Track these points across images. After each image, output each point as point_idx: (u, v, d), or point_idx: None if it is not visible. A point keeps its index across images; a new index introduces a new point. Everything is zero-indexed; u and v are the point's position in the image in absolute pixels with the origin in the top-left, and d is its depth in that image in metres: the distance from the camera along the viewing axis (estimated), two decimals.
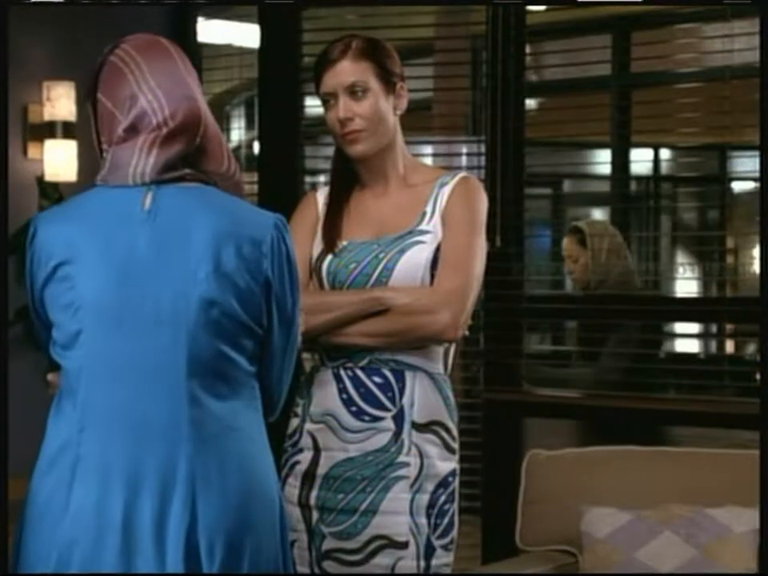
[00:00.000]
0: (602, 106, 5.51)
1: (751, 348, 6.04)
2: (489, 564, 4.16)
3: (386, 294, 2.62)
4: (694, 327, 5.94)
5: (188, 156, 2.18)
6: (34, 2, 4.19)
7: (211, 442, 2.11)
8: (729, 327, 4.92)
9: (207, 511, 2.08)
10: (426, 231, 2.66)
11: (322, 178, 8.40)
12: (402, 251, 2.65)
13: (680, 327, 5.49)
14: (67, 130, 4.87)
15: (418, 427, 2.63)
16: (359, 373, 2.65)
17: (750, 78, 4.04)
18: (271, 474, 2.22)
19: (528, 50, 4.87)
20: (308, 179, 5.72)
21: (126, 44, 2.31)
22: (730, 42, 4.24)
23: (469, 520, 4.59)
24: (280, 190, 5.11)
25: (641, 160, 7.20)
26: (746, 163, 3.95)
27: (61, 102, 4.83)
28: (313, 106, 5.52)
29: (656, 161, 8.13)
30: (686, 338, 6.59)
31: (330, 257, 2.71)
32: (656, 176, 8.24)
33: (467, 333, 2.70)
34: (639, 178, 7.86)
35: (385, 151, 2.73)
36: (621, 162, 6.04)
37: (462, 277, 2.62)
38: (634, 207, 6.80)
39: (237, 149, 7.06)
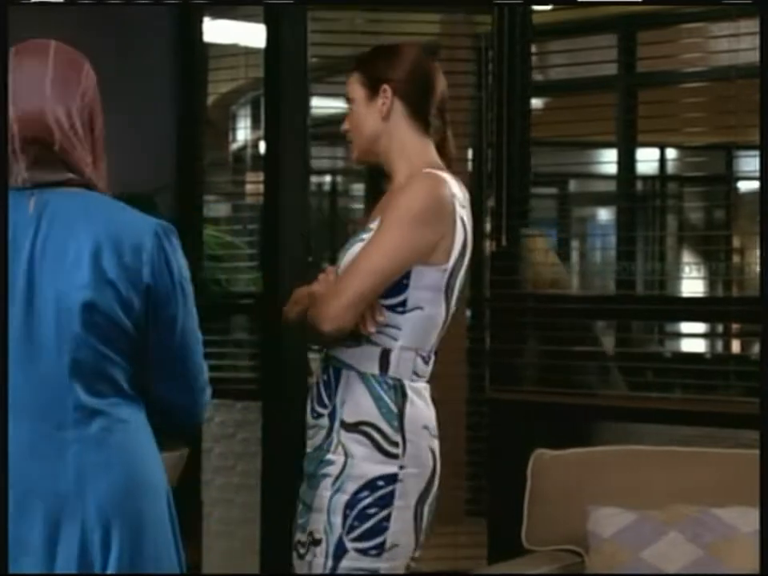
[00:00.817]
0: (607, 105, 5.52)
1: (756, 347, 6.04)
2: (495, 564, 4.16)
3: (313, 286, 2.68)
4: (699, 327, 5.95)
5: (66, 160, 2.21)
6: (34, 2, 4.19)
7: (96, 437, 2.16)
8: (735, 327, 4.92)
9: (98, 504, 2.15)
10: (370, 229, 2.67)
11: (327, 178, 8.44)
12: (348, 249, 2.69)
13: (686, 327, 5.50)
14: None
15: (346, 426, 2.62)
16: (320, 369, 2.73)
17: (755, 77, 4.04)
18: (158, 464, 2.27)
19: (534, 49, 4.88)
20: (314, 179, 5.73)
21: (14, 48, 2.36)
22: (736, 42, 4.24)
23: (476, 520, 4.61)
24: (286, 190, 5.11)
25: (647, 159, 7.21)
26: (752, 163, 3.94)
27: None
28: (319, 106, 5.53)
29: (662, 160, 8.14)
30: (692, 338, 6.60)
31: None
32: (662, 176, 8.25)
33: (371, 329, 2.59)
34: (645, 178, 7.86)
35: (380, 155, 2.76)
36: (627, 161, 6.04)
37: (352, 271, 2.59)
38: (640, 207, 6.79)
39: (242, 148, 7.08)
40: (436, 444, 2.68)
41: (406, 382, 2.63)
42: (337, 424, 2.62)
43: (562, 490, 3.82)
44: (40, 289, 2.14)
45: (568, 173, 8.10)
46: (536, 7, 4.74)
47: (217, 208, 6.28)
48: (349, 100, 2.79)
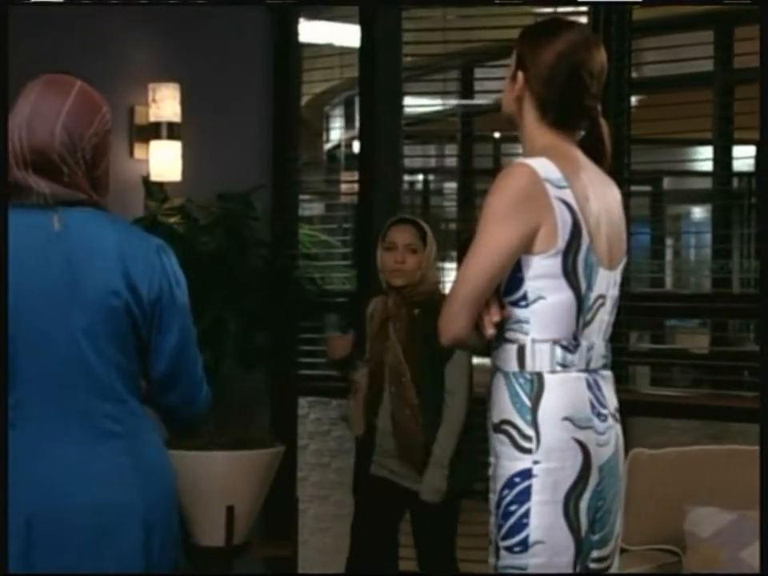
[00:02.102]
0: (704, 102, 5.46)
1: None
2: None
3: None
4: None
5: (77, 186, 2.42)
6: (34, 2, 4.24)
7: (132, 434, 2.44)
8: None
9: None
10: None
11: (420, 177, 8.45)
12: None
13: None
14: (172, 131, 4.95)
15: (493, 427, 2.60)
16: None
17: None
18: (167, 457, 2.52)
19: (643, 44, 4.86)
20: (407, 178, 5.75)
21: (44, 77, 2.54)
22: None
23: None
24: (380, 189, 5.14)
25: (743, 157, 7.11)
26: None
27: (166, 103, 4.92)
28: (413, 105, 5.56)
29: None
30: None
31: None
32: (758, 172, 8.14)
33: (489, 333, 2.55)
34: (741, 175, 7.77)
35: (515, 126, 2.73)
36: (723, 158, 5.98)
37: (457, 278, 2.58)
38: (736, 204, 6.72)
39: (336, 147, 7.13)
40: (589, 436, 2.56)
41: (546, 374, 2.56)
42: (490, 427, 2.61)
43: (658, 489, 3.80)
44: (73, 295, 2.35)
45: (663, 170, 8.04)
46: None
47: (311, 207, 6.33)
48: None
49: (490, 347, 2.65)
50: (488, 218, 2.53)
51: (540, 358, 2.56)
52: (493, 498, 2.58)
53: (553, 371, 2.56)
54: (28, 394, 2.34)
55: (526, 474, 2.53)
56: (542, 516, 2.52)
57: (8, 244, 2.35)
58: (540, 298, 2.55)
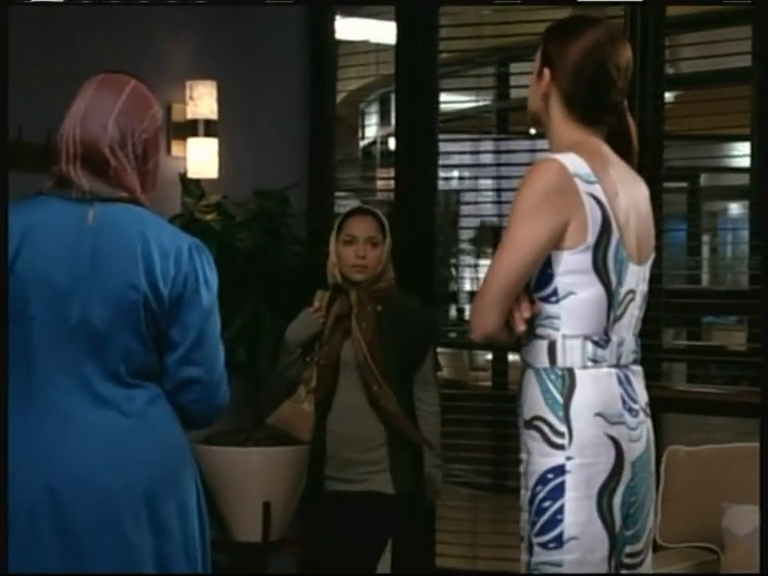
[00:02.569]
0: (741, 98, 5.42)
1: None
2: None
3: None
4: None
5: (120, 181, 2.54)
6: (34, 2, 4.25)
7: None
8: None
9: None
10: None
11: (455, 173, 8.44)
12: None
13: None
14: (209, 128, 4.97)
15: (525, 423, 2.61)
16: None
17: None
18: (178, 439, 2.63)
19: (667, 42, 4.83)
20: (442, 174, 5.74)
21: (101, 75, 2.66)
22: None
23: None
24: (416, 186, 5.14)
25: None
26: None
27: (203, 100, 4.94)
28: (449, 101, 5.56)
29: None
30: None
31: None
32: None
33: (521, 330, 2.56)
34: None
35: (541, 125, 2.74)
36: (760, 154, 5.93)
37: (486, 275, 2.57)
38: None
39: (371, 144, 7.14)
40: (621, 431, 2.56)
41: (577, 370, 2.56)
42: (521, 424, 2.62)
43: (696, 487, 3.79)
44: (93, 285, 2.47)
45: (699, 166, 7.99)
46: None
47: (347, 204, 6.33)
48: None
49: (518, 343, 2.65)
50: (518, 213, 2.53)
51: (571, 353, 2.56)
52: (525, 494, 2.59)
53: (584, 367, 2.56)
54: (42, 372, 2.46)
55: (559, 470, 2.53)
56: (577, 512, 2.52)
57: (8, 244, 2.47)
58: (571, 293, 2.55)
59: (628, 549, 2.61)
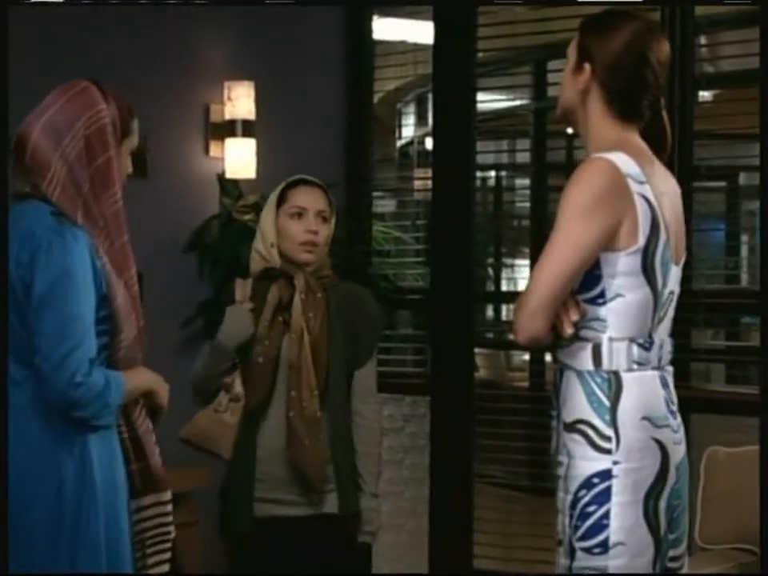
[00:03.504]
0: None
1: None
2: None
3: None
4: None
5: (31, 175, 2.62)
6: (34, 2, 4.25)
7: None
8: None
9: None
10: None
11: (492, 173, 8.44)
12: None
13: None
14: (246, 129, 4.98)
15: (566, 426, 2.56)
16: (555, 371, 2.68)
17: None
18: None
19: (704, 40, 4.81)
20: (479, 174, 5.74)
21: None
22: None
23: None
24: (453, 186, 5.14)
25: None
26: None
27: (241, 101, 4.95)
28: (486, 101, 5.55)
29: None
30: None
31: None
32: None
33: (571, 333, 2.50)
34: None
35: (576, 125, 2.69)
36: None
37: (533, 277, 2.52)
38: None
39: (408, 144, 7.14)
40: (666, 434, 2.54)
41: (623, 373, 2.53)
42: (561, 425, 2.57)
43: (736, 488, 3.76)
44: (4, 277, 2.61)
45: (738, 165, 7.95)
46: None
47: (384, 204, 6.34)
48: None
49: (554, 343, 2.59)
50: (567, 214, 2.49)
51: (617, 356, 2.53)
52: (565, 497, 2.55)
53: (629, 369, 2.53)
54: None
55: (606, 474, 2.50)
56: (623, 517, 2.49)
57: (8, 244, 2.55)
58: (618, 295, 2.51)
59: (671, 553, 2.58)
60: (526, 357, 6.79)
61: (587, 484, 2.50)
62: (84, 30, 4.65)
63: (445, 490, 5.07)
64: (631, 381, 2.53)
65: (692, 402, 4.50)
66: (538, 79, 6.72)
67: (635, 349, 2.54)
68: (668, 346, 2.63)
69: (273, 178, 5.05)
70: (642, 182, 2.52)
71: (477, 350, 5.36)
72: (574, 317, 2.52)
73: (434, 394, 5.16)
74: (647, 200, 2.52)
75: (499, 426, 5.21)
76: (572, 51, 2.66)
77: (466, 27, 5.08)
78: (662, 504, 2.53)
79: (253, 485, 3.34)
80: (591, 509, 2.50)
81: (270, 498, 3.35)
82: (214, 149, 5.02)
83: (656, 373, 2.58)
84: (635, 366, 2.54)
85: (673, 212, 2.62)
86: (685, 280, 4.53)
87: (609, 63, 2.60)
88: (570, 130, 7.35)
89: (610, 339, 2.53)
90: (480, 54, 5.25)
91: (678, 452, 2.58)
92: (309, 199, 3.44)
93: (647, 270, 2.53)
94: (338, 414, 3.39)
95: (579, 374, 2.55)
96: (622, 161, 2.51)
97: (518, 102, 6.98)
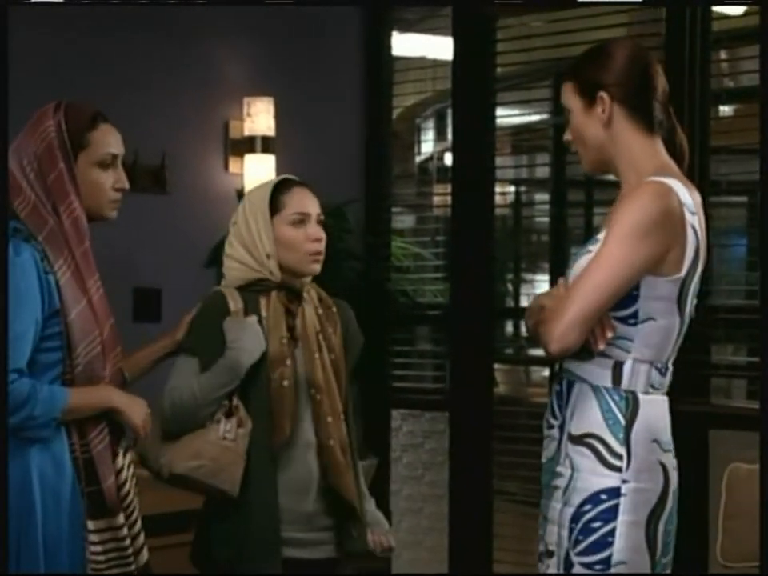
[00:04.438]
0: None
1: None
2: None
3: (545, 298, 2.61)
4: None
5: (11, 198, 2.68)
6: (34, 2, 4.26)
7: None
8: None
9: None
10: (597, 240, 2.56)
11: (511, 188, 8.42)
12: (576, 260, 2.60)
13: None
14: (266, 145, 4.99)
15: (573, 438, 2.56)
16: (555, 380, 2.67)
17: None
18: None
19: (723, 55, 4.80)
20: (499, 189, 5.72)
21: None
22: None
23: None
24: (473, 201, 5.13)
25: None
26: None
27: (260, 117, 4.96)
28: (505, 115, 5.54)
29: None
30: None
31: None
32: None
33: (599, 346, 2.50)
34: None
35: (608, 163, 2.65)
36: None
37: (576, 289, 2.50)
38: None
39: (428, 160, 7.11)
40: (669, 459, 2.57)
41: (640, 395, 2.54)
42: (565, 436, 2.57)
43: (758, 505, 3.73)
44: None
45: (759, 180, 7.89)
46: (720, 12, 4.67)
47: (403, 219, 6.33)
48: (566, 110, 2.69)
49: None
50: (622, 233, 2.49)
51: (637, 377, 2.54)
52: (564, 509, 2.55)
53: (646, 392, 2.55)
54: None
55: (614, 492, 2.50)
56: (628, 537, 2.50)
57: (8, 244, 2.56)
58: (650, 318, 2.52)
59: None
60: (546, 373, 6.76)
61: (593, 499, 2.51)
62: (104, 44, 4.66)
63: (464, 506, 5.05)
64: (646, 403, 2.55)
65: (712, 418, 4.49)
66: (558, 94, 6.70)
67: (654, 373, 2.56)
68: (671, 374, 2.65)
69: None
70: (693, 213, 2.54)
71: (496, 365, 5.34)
72: (610, 333, 2.52)
73: (454, 410, 5.15)
74: (695, 231, 2.54)
75: (519, 443, 5.18)
76: (572, 97, 2.67)
77: (484, 42, 5.08)
78: (661, 527, 2.54)
79: (279, 525, 2.92)
80: (596, 525, 2.50)
81: (293, 539, 2.97)
82: (234, 165, 5.03)
83: (665, 398, 2.61)
84: (650, 390, 2.56)
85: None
86: (705, 295, 4.58)
87: (622, 80, 2.61)
88: None
89: (635, 360, 2.54)
90: (499, 69, 5.25)
91: (675, 478, 2.59)
92: (309, 203, 3.09)
93: (681, 298, 2.54)
94: (353, 439, 3.11)
95: (595, 388, 2.55)
96: (680, 189, 2.53)
97: (537, 117, 6.96)
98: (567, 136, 2.70)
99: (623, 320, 2.53)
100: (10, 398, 2.53)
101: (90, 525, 2.66)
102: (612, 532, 2.50)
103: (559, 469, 2.58)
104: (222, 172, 5.02)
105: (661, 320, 2.52)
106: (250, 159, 5.00)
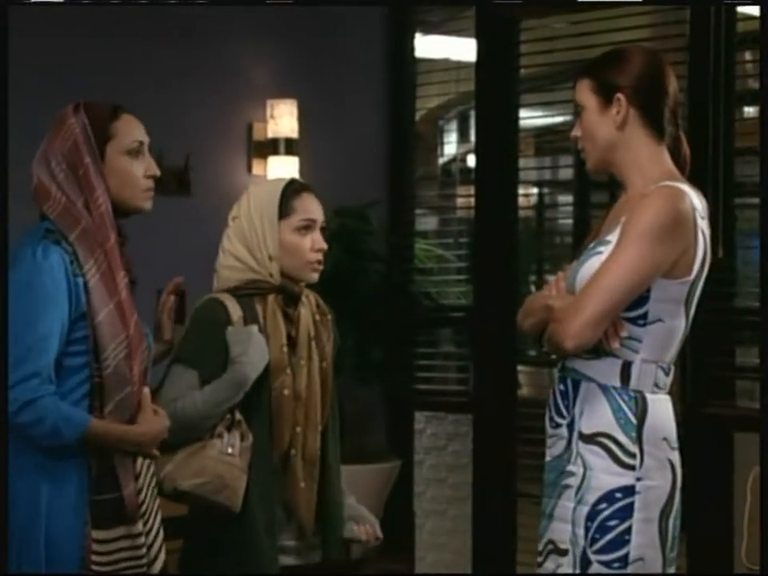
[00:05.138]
0: None
1: None
2: None
3: (550, 299, 2.64)
4: None
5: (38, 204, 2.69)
6: (34, 2, 4.26)
7: None
8: None
9: None
10: (608, 242, 2.58)
11: (534, 190, 8.41)
12: (584, 262, 2.61)
13: None
14: (289, 147, 5.00)
15: (584, 437, 2.57)
16: (557, 379, 2.68)
17: None
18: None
19: (748, 56, 4.78)
20: (522, 191, 5.71)
21: None
22: None
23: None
24: (496, 203, 5.12)
25: None
26: None
27: (284, 119, 4.97)
28: (528, 117, 5.54)
29: None
30: None
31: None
32: None
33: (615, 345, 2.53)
34: None
35: (614, 165, 2.67)
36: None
37: (593, 288, 2.52)
38: None
39: (451, 162, 7.12)
40: (676, 457, 2.60)
41: (647, 395, 2.58)
42: (575, 435, 2.59)
43: None
44: None
45: None
46: (746, 13, 4.65)
47: (426, 221, 6.33)
48: (578, 106, 2.70)
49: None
50: (637, 235, 2.51)
51: (645, 377, 2.58)
52: (579, 508, 2.56)
53: (653, 392, 2.58)
54: None
55: (629, 490, 2.53)
56: (644, 534, 2.53)
57: (8, 245, 2.58)
58: (659, 320, 2.56)
59: (669, 570, 2.63)
60: None
61: (609, 498, 2.53)
62: (128, 46, 4.67)
63: (488, 508, 5.05)
64: (654, 402, 2.58)
65: (738, 421, 4.47)
66: None
67: (660, 373, 2.60)
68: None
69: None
70: (703, 218, 2.59)
71: (519, 367, 5.33)
72: (623, 333, 2.55)
73: (477, 413, 5.15)
74: (704, 235, 2.59)
75: (542, 445, 5.17)
76: (587, 95, 2.68)
77: (508, 44, 5.08)
78: (671, 523, 2.58)
79: (277, 536, 2.90)
80: (612, 523, 2.53)
81: (287, 547, 2.94)
82: (257, 167, 5.04)
83: (669, 397, 2.64)
84: (656, 389, 2.59)
85: None
86: (729, 297, 4.57)
87: (639, 82, 2.64)
88: None
89: (643, 360, 2.57)
90: (522, 71, 5.25)
91: (680, 475, 2.62)
92: (316, 209, 2.98)
93: (689, 300, 2.59)
94: (335, 453, 3.02)
95: (604, 388, 2.58)
96: (693, 194, 2.57)
97: (560, 119, 6.95)
98: (576, 132, 2.71)
99: (633, 321, 2.56)
100: (32, 409, 2.50)
101: (114, 533, 2.60)
102: (629, 530, 2.53)
103: (570, 468, 2.60)
104: (245, 174, 5.03)
105: (668, 321, 2.56)
106: (273, 161, 5.00)
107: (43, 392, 2.51)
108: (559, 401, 2.65)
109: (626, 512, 2.53)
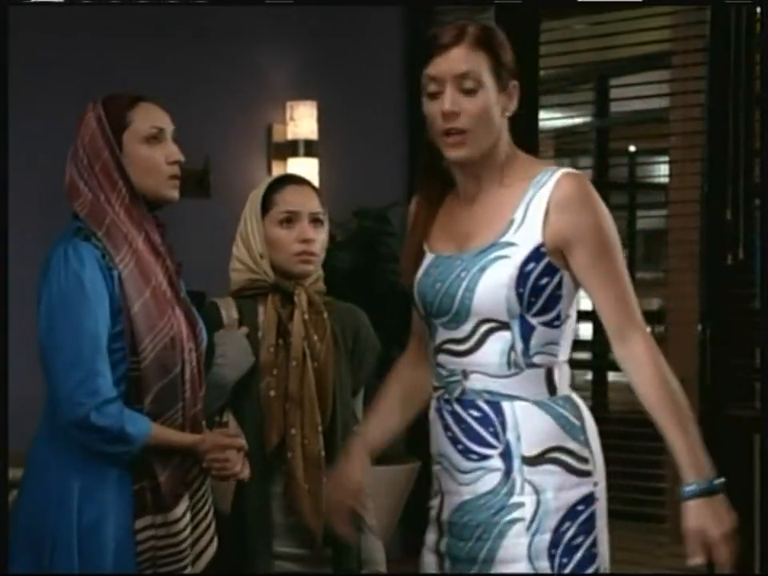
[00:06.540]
0: None
1: None
2: None
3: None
4: None
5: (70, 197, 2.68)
6: (34, 2, 4.27)
7: None
8: None
9: None
10: (510, 243, 2.29)
11: None
12: (483, 269, 2.30)
13: None
14: (309, 149, 5.01)
15: (529, 461, 2.31)
16: (456, 406, 2.38)
17: None
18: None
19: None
20: None
21: None
22: None
23: None
24: None
25: None
26: None
27: (303, 121, 4.98)
28: (548, 118, 5.54)
29: None
30: None
31: (419, 274, 2.41)
32: None
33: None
34: None
35: (485, 155, 2.35)
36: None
37: (627, 296, 2.32)
38: None
39: None
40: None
41: (572, 395, 2.38)
42: (517, 462, 2.31)
43: None
44: None
45: None
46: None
47: None
48: (468, 79, 2.33)
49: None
50: (611, 229, 2.36)
51: (564, 380, 2.38)
52: (535, 540, 2.31)
53: (572, 393, 2.40)
54: None
55: (589, 499, 2.34)
56: (604, 542, 2.36)
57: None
58: (568, 316, 2.37)
59: None
60: (588, 377, 6.74)
61: (571, 514, 2.32)
62: (147, 46, 4.69)
63: None
64: (578, 400, 2.41)
65: (757, 422, 4.46)
66: (600, 96, 6.69)
67: (570, 371, 2.42)
68: None
69: (335, 198, 5.08)
70: None
71: None
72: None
73: None
74: None
75: None
76: (486, 73, 2.35)
77: (527, 45, 5.07)
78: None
79: (272, 540, 2.87)
80: (578, 540, 2.32)
81: (288, 554, 2.90)
82: (277, 168, 5.05)
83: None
84: (572, 390, 2.42)
85: None
86: (748, 299, 4.54)
87: (518, 71, 2.41)
88: (632, 148, 7.33)
89: (561, 363, 2.38)
90: (542, 72, 5.25)
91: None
92: (300, 201, 2.95)
93: (577, 286, 2.39)
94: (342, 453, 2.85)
95: (538, 404, 2.35)
96: None
97: (579, 120, 6.95)
98: (453, 108, 2.34)
99: (549, 324, 2.33)
100: (102, 413, 2.46)
101: (152, 520, 2.56)
102: (594, 542, 2.33)
103: (515, 499, 2.32)
104: (265, 176, 5.03)
105: (573, 315, 2.37)
106: (293, 163, 5.01)
107: (113, 394, 2.48)
108: (478, 429, 2.36)
109: (590, 523, 2.32)
